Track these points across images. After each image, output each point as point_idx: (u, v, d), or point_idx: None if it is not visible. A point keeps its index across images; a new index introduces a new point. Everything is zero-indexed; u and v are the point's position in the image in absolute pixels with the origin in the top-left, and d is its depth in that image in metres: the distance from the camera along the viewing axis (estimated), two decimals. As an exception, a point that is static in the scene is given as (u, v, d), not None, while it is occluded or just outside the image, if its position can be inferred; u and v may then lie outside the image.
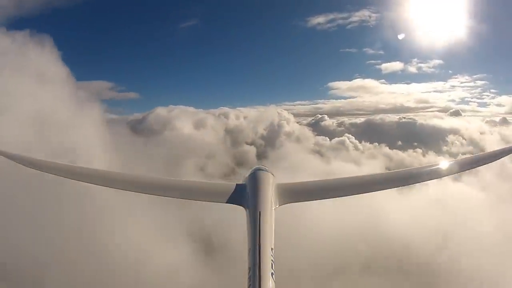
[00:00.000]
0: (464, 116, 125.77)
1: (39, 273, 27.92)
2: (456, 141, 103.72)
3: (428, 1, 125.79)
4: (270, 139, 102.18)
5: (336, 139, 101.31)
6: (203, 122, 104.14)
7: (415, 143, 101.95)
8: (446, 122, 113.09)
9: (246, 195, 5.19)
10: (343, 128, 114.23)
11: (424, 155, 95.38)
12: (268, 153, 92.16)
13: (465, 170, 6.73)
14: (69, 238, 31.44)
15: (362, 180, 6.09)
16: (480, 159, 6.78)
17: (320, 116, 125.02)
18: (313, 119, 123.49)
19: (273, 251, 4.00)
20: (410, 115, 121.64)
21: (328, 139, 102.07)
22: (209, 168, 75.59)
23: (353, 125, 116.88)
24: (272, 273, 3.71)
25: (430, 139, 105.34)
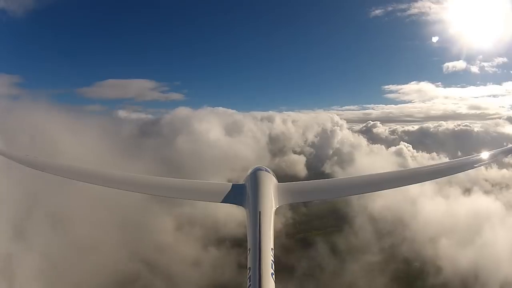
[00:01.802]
0: None
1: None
2: None
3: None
4: (321, 148, 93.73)
5: (393, 148, 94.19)
6: (239, 125, 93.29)
7: (474, 153, 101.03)
8: (507, 129, 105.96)
9: (246, 195, 5.20)
10: (396, 136, 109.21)
11: (486, 169, 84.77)
12: (320, 164, 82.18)
13: (466, 170, 6.84)
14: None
15: (362, 180, 6.14)
16: (480, 160, 6.86)
17: (372, 122, 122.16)
18: (364, 126, 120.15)
19: (273, 251, 3.99)
20: (465, 122, 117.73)
21: (384, 148, 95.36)
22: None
23: (406, 132, 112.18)
24: (272, 273, 3.70)
25: (491, 148, 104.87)
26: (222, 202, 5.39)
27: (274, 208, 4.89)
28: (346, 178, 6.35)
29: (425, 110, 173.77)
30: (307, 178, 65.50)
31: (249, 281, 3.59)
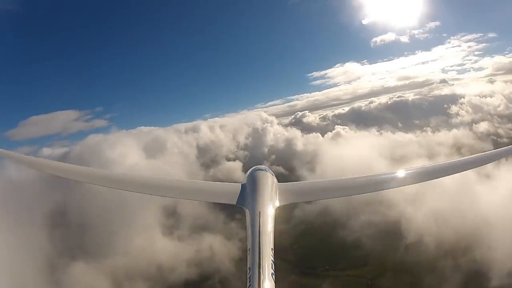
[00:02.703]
0: (453, 84, 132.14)
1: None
2: (462, 110, 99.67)
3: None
4: (256, 148, 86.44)
5: (329, 133, 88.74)
6: (161, 143, 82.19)
7: (417, 122, 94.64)
8: (444, 91, 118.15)
9: (245, 195, 5.09)
10: (328, 122, 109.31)
11: (434, 132, 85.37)
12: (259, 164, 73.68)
13: (467, 170, 6.63)
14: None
15: (362, 180, 5.98)
16: (483, 158, 6.68)
17: (300, 113, 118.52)
18: (293, 118, 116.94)
19: (273, 251, 3.96)
20: (397, 93, 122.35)
21: (320, 135, 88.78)
22: (179, 208, 52.95)
23: (337, 116, 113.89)
24: (272, 273, 3.67)
25: (432, 114, 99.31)
26: (222, 202, 5.36)
27: (274, 208, 4.81)
28: (347, 178, 5.91)
29: (351, 90, 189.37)
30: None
31: (249, 281, 3.56)
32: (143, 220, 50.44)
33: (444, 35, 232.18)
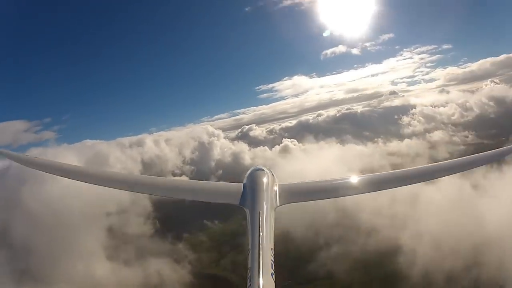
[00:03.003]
0: (403, 95, 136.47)
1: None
2: (413, 121, 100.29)
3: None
4: (202, 163, 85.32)
5: (277, 147, 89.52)
6: (103, 157, 78.55)
7: (367, 133, 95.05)
8: (395, 102, 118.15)
9: (246, 195, 5.13)
10: (275, 135, 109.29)
11: (385, 143, 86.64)
12: (205, 179, 73.02)
13: (467, 170, 6.71)
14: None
15: (362, 180, 5.99)
16: (483, 158, 6.66)
17: (247, 126, 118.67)
18: (240, 132, 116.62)
19: (273, 251, 3.98)
20: (345, 106, 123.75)
21: (268, 149, 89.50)
22: (125, 228, 52.26)
23: (285, 129, 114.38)
24: (272, 273, 3.68)
25: (383, 125, 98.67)
26: (222, 202, 5.39)
27: (274, 208, 4.87)
28: (347, 178, 5.96)
29: (299, 103, 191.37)
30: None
31: (249, 281, 3.54)
32: (86, 242, 47.67)
33: (397, 47, 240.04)
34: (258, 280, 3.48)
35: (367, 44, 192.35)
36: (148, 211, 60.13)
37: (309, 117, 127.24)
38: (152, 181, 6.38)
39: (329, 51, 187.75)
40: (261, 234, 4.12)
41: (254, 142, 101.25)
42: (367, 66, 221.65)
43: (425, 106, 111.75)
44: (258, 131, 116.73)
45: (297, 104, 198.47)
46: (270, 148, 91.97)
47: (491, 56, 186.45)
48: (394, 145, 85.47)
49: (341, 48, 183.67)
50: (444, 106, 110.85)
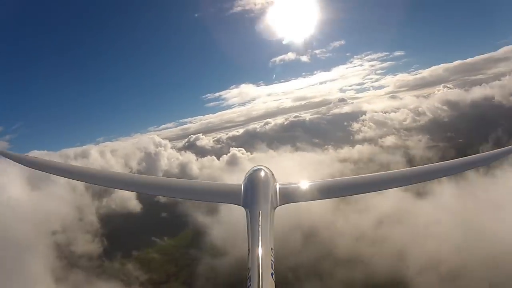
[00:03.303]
0: (353, 102, 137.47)
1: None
2: (364, 127, 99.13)
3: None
4: (149, 174, 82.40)
5: (225, 156, 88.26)
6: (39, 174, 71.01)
7: (316, 140, 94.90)
8: (342, 111, 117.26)
9: (245, 195, 5.12)
10: (222, 144, 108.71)
11: (336, 149, 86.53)
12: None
13: (466, 170, 6.77)
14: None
15: (362, 180, 6.02)
16: (482, 159, 6.64)
17: (193, 136, 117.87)
18: (186, 142, 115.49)
19: (273, 251, 3.99)
20: (293, 114, 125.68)
21: (216, 158, 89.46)
22: (73, 246, 51.61)
23: (232, 138, 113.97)
24: (272, 273, 3.71)
25: (333, 132, 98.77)
26: (222, 202, 5.49)
27: (274, 208, 4.87)
28: (347, 178, 5.99)
29: (246, 112, 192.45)
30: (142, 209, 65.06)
31: (249, 281, 3.57)
32: (31, 265, 44.89)
33: (347, 54, 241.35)
34: (258, 280, 3.52)
35: (317, 51, 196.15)
36: (96, 227, 59.77)
37: (257, 125, 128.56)
38: (152, 181, 6.46)
39: (277, 59, 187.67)
40: (261, 234, 4.16)
41: (201, 152, 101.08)
42: (315, 74, 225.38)
43: (376, 112, 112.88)
44: (205, 141, 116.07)
45: (244, 112, 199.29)
46: (218, 158, 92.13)
47: (444, 62, 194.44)
48: (345, 151, 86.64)
49: (290, 56, 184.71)
50: (395, 112, 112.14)
